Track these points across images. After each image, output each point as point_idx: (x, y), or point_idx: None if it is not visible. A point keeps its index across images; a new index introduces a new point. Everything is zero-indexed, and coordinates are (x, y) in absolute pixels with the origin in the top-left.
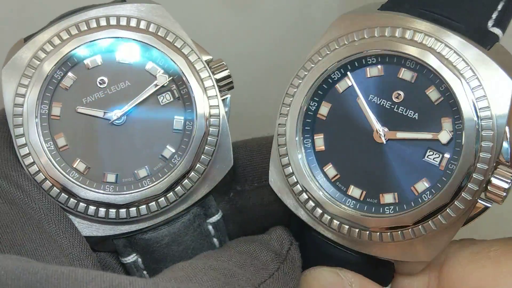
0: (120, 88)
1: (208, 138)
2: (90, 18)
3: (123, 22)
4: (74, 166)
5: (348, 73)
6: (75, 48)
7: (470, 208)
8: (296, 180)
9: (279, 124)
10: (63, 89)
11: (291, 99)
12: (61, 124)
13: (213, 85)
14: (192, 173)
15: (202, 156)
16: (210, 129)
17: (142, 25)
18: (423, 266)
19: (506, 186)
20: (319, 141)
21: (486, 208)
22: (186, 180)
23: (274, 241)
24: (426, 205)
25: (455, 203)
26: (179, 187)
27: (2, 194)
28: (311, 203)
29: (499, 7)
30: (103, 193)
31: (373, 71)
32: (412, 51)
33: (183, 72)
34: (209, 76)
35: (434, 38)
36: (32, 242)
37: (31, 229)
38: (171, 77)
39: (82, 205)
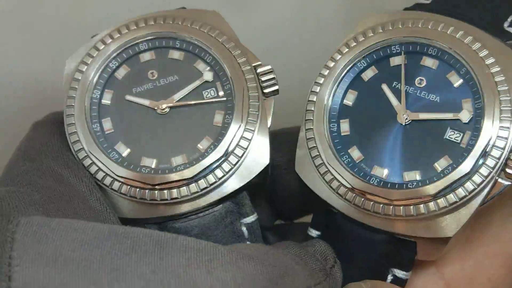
0: (168, 81)
1: (245, 131)
2: (148, 17)
3: (179, 21)
4: (116, 148)
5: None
6: (131, 41)
7: (490, 184)
8: (321, 161)
9: (307, 110)
10: (116, 78)
11: (319, 87)
12: (109, 109)
13: (256, 85)
14: (225, 163)
15: (237, 148)
16: (248, 120)
17: (195, 25)
18: (443, 248)
19: None
20: (345, 126)
21: (506, 186)
22: (218, 170)
23: (319, 255)
24: (448, 177)
25: (476, 175)
26: (210, 175)
27: (51, 173)
28: (336, 183)
29: None
30: (138, 172)
31: (397, 60)
32: (435, 37)
33: (228, 71)
34: (254, 77)
35: (454, 26)
36: (79, 217)
37: (77, 203)
38: (217, 74)
39: (117, 183)
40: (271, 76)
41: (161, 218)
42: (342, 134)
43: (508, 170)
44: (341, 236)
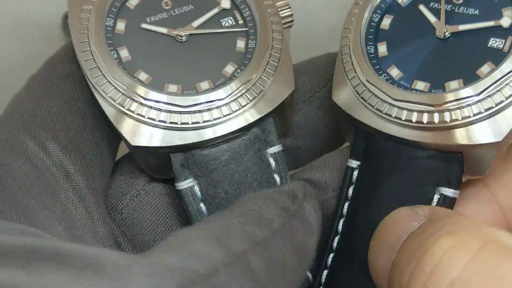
0: (183, 10)
1: (272, 52)
2: None
3: None
4: (136, 76)
5: None
6: None
7: None
8: (359, 81)
9: (343, 37)
10: (128, 8)
11: (355, 15)
12: (125, 38)
13: (276, 11)
14: (254, 87)
15: (266, 69)
16: (274, 45)
17: None
18: (491, 160)
19: None
20: (382, 48)
21: None
22: (248, 93)
23: (285, 196)
24: (491, 76)
25: None
26: (241, 97)
27: (26, 154)
28: (375, 99)
29: None
30: (166, 95)
31: None
32: None
33: None
34: (272, 3)
35: None
36: (45, 209)
37: (47, 197)
38: (234, 3)
39: (144, 108)
40: (287, 6)
41: (189, 145)
42: (380, 56)
43: None
44: (383, 160)
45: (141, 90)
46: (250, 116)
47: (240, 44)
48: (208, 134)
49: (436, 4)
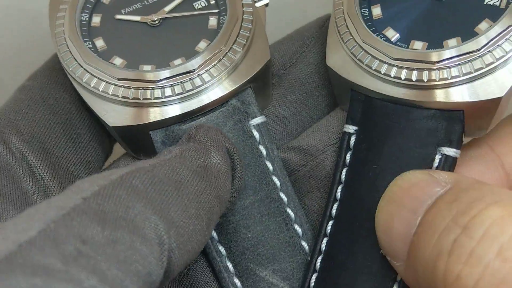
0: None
1: (242, 24)
2: None
3: None
4: (111, 62)
5: None
6: None
7: None
8: (355, 43)
9: (336, 1)
10: (103, 3)
11: None
12: (100, 30)
13: None
14: (228, 54)
15: (237, 40)
16: (244, 17)
17: None
18: (492, 117)
19: None
20: (376, 10)
21: None
22: (219, 64)
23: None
24: (490, 32)
25: None
26: (213, 68)
27: None
28: (373, 60)
29: None
30: (139, 72)
31: None
32: None
33: None
34: None
35: None
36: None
37: (3, 185)
38: None
39: (117, 88)
40: None
41: (166, 121)
42: (374, 18)
43: None
44: (381, 122)
45: (114, 71)
46: (226, 86)
47: (213, 21)
48: (184, 107)
49: None
